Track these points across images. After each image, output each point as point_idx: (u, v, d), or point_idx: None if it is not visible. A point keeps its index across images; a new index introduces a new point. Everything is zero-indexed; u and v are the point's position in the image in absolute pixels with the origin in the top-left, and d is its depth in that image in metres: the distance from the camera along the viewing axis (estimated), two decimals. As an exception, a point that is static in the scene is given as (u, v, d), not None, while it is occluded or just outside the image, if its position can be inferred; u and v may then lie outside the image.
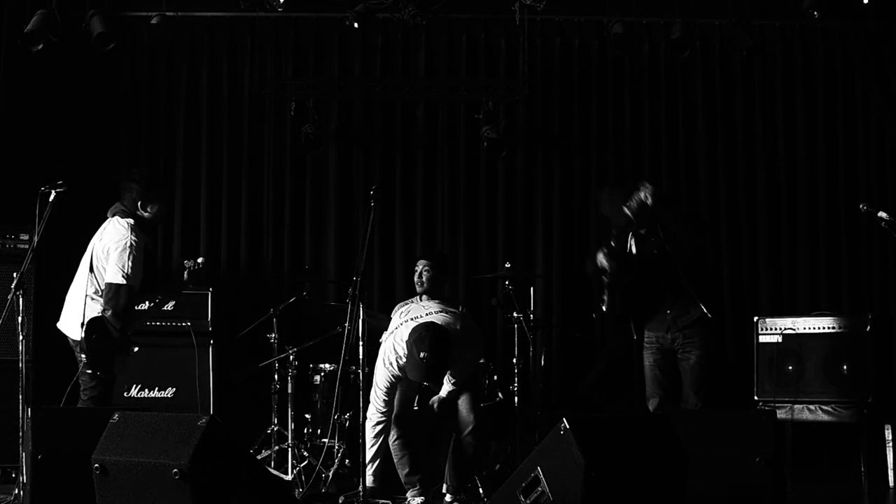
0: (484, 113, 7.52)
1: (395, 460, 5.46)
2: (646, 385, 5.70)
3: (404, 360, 5.38)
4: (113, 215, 5.45)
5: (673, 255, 5.56)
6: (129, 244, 5.27)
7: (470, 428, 5.47)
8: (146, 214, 5.48)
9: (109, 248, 5.31)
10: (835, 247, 7.81)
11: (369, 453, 5.45)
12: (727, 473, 4.73)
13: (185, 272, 5.74)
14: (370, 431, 5.50)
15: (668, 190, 7.59)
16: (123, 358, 5.41)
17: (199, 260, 5.76)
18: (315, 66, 7.77)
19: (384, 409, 5.55)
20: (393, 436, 5.49)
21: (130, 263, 5.24)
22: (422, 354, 5.15)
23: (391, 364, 5.51)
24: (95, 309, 5.29)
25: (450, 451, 5.52)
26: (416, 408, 5.87)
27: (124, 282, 5.22)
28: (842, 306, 7.67)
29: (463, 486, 5.50)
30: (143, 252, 5.34)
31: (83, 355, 5.27)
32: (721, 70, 7.88)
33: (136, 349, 5.46)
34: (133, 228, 5.34)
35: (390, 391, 5.55)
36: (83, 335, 5.22)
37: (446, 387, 5.50)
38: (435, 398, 5.56)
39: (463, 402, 5.51)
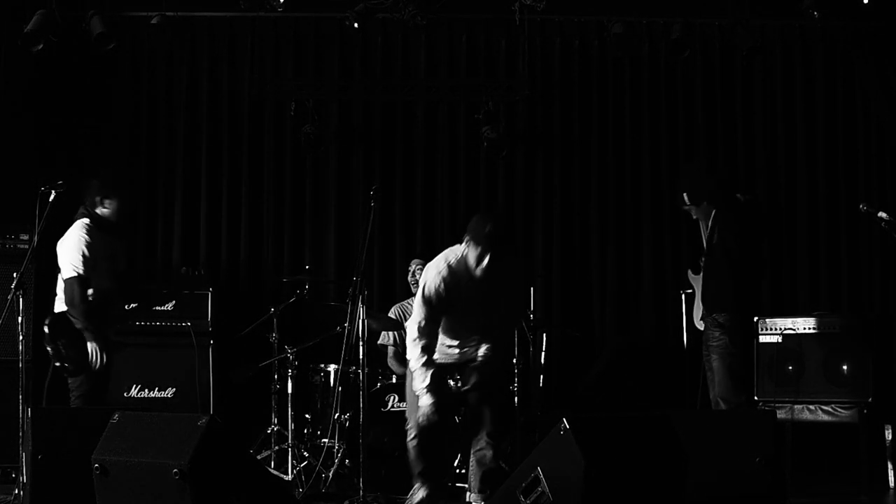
0: (484, 113, 7.53)
1: (412, 456, 5.13)
2: None
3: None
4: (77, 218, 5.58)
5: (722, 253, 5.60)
6: (77, 240, 5.41)
7: (490, 433, 5.10)
8: (105, 211, 5.56)
9: (62, 248, 5.47)
10: (835, 247, 7.81)
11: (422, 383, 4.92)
12: (727, 474, 4.73)
13: (184, 269, 5.80)
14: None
15: (668, 190, 7.59)
16: (108, 354, 5.47)
17: (200, 272, 5.86)
18: (315, 66, 7.77)
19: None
20: (411, 434, 5.13)
21: (80, 257, 5.37)
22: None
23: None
24: (59, 307, 5.46)
25: (472, 457, 5.17)
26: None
27: (74, 274, 5.35)
28: (842, 306, 7.67)
29: (488, 491, 5.14)
30: (96, 249, 5.44)
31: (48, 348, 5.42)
32: (721, 70, 7.88)
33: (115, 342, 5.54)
34: (86, 226, 5.47)
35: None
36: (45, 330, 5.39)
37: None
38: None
39: (486, 407, 5.15)
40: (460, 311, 5.01)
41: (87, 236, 5.44)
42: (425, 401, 4.88)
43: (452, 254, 4.97)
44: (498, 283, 4.95)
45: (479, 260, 4.82)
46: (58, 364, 5.37)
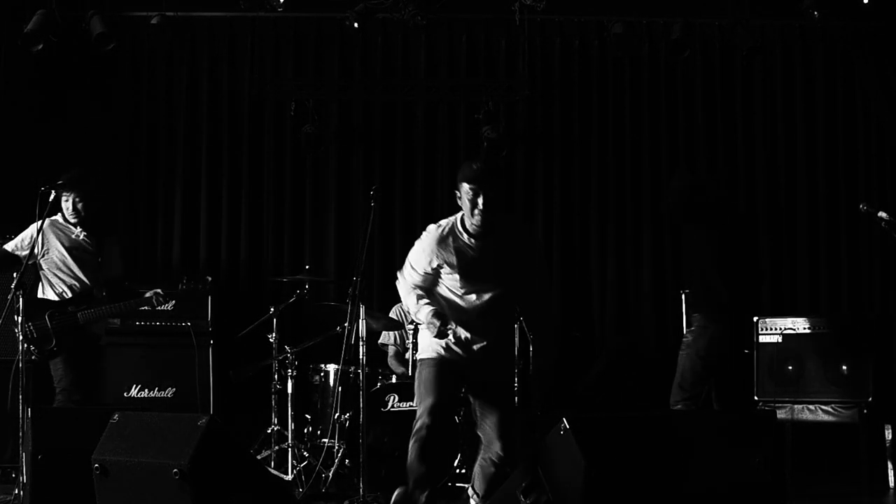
0: (484, 113, 7.53)
1: (411, 457, 4.51)
2: None
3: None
4: None
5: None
6: None
7: (498, 448, 4.62)
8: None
9: None
10: (835, 247, 7.81)
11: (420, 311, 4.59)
12: (727, 473, 4.73)
13: (182, 285, 5.86)
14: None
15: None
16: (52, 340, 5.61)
17: (206, 281, 5.94)
18: (315, 66, 7.77)
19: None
20: (423, 432, 4.49)
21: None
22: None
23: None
24: (39, 292, 5.77)
25: (478, 462, 4.77)
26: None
27: None
28: (842, 306, 7.67)
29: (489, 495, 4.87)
30: (48, 236, 5.67)
31: None
32: (721, 70, 7.89)
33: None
34: (52, 218, 5.73)
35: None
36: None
37: None
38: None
39: (491, 419, 4.65)
40: (461, 285, 4.57)
41: (39, 223, 5.54)
42: (424, 312, 4.53)
43: (444, 220, 4.63)
44: (502, 243, 4.58)
45: (474, 202, 4.45)
46: (25, 345, 5.44)
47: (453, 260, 4.53)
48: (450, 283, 4.60)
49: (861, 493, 6.11)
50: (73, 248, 5.70)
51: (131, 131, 7.72)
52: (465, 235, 4.55)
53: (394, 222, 7.72)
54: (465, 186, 4.47)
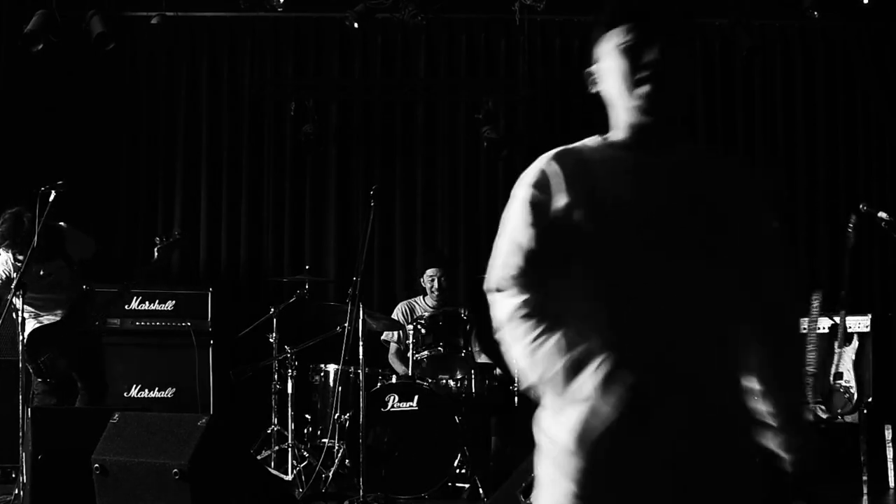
0: (484, 113, 7.53)
1: None
2: None
3: None
4: None
5: None
6: None
7: None
8: None
9: None
10: (835, 247, 7.81)
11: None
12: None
13: (155, 250, 5.81)
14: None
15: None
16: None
17: (175, 233, 5.89)
18: (315, 66, 7.77)
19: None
20: None
21: None
22: None
23: None
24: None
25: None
26: None
27: None
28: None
29: None
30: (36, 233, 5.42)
31: None
32: (721, 70, 7.89)
33: None
34: None
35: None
36: None
37: None
38: None
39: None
40: (618, 256, 2.07)
41: (37, 227, 5.45)
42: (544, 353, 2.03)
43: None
44: (696, 171, 2.20)
45: (636, 66, 2.22)
46: (37, 379, 5.55)
47: (602, 192, 2.15)
48: (593, 265, 2.08)
49: (861, 493, 6.10)
50: (42, 282, 5.68)
51: (131, 131, 7.72)
52: (619, 149, 2.33)
53: (394, 222, 7.72)
54: (617, 35, 2.21)
